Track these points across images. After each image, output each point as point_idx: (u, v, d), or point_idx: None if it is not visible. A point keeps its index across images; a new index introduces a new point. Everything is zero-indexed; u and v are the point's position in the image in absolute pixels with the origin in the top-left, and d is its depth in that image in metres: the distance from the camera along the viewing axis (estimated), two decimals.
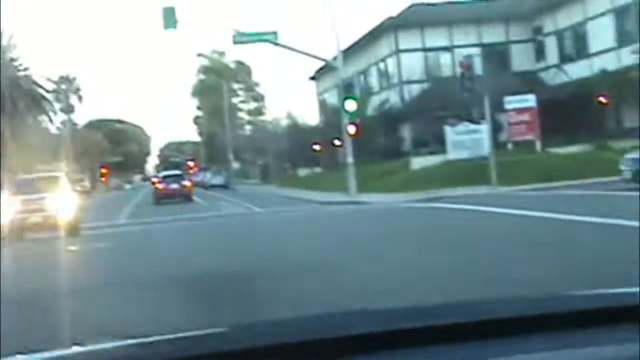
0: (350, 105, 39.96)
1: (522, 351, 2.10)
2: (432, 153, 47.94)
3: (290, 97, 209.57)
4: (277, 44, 42.81)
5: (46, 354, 2.11)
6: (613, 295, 2.52)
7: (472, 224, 21.60)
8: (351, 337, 2.11)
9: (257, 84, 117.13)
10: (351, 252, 16.04)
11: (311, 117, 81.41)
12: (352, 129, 40.02)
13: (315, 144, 68.53)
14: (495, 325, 2.21)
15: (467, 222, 22.50)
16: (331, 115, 61.40)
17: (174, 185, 56.22)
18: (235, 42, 42.91)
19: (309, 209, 35.93)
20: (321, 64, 57.93)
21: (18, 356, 2.15)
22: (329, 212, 33.26)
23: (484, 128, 39.88)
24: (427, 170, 43.65)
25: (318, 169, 70.44)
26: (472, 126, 43.68)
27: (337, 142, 52.85)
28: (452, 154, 43.76)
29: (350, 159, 40.25)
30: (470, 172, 38.78)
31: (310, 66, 78.11)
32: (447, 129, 44.48)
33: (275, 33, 42.35)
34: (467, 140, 43.28)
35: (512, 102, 45.13)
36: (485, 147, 39.44)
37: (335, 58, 43.70)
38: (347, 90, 41.80)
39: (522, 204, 24.43)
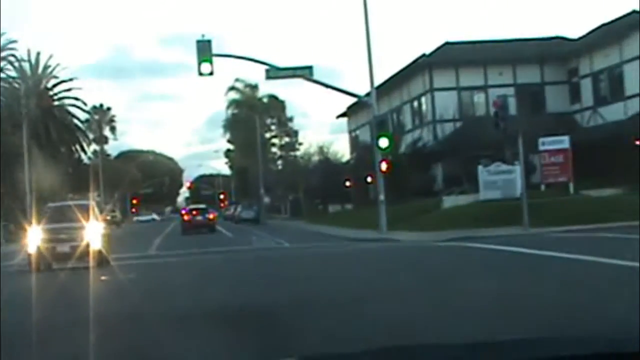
0: (383, 143, 39.76)
1: None
2: (464, 192, 47.66)
3: (322, 133, 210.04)
4: (311, 80, 42.54)
5: None
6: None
7: (500, 264, 21.47)
8: None
9: (290, 119, 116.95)
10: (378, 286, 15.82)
11: (343, 153, 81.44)
12: (384, 166, 39.86)
13: (347, 180, 68.43)
14: None
15: (494, 262, 22.30)
16: (363, 152, 61.33)
17: (199, 218, 62.32)
18: (268, 78, 42.35)
19: (338, 246, 35.71)
20: (352, 100, 57.93)
21: None
22: (358, 250, 32.98)
23: (517, 169, 39.57)
24: (458, 209, 43.35)
25: (349, 206, 70.28)
26: (505, 167, 43.45)
27: (368, 179, 52.73)
28: (484, 194, 43.52)
29: (381, 196, 40.03)
30: (501, 212, 38.45)
31: (342, 102, 78.25)
32: (480, 169, 44.25)
33: (310, 67, 41.98)
34: (500, 180, 43.09)
35: (546, 143, 44.74)
36: (517, 188, 39.16)
37: (368, 94, 43.44)
38: (379, 127, 41.51)
39: (550, 246, 24.18)
